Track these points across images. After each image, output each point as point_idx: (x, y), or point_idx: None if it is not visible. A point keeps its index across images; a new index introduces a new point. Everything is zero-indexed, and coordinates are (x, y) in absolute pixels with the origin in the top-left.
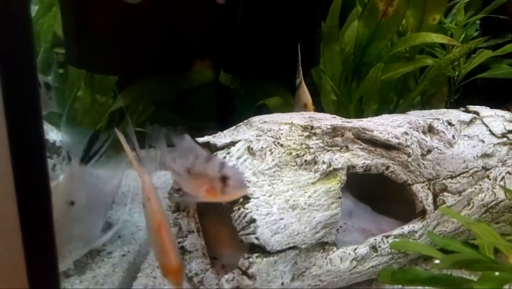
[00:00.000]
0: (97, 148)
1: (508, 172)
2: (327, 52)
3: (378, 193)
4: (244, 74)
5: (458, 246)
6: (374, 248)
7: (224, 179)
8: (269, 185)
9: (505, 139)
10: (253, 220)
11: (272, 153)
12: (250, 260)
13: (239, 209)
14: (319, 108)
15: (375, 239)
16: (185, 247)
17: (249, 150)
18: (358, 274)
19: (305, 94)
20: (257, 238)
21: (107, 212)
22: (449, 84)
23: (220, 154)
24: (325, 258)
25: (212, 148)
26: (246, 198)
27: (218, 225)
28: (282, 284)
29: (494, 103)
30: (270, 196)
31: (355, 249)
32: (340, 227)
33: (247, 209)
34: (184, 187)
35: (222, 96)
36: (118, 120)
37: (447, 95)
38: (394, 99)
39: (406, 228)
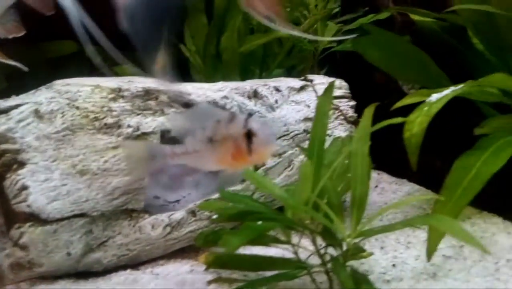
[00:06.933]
0: None
1: (328, 135)
2: (194, 25)
3: None
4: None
5: (247, 201)
6: (192, 212)
7: (249, 135)
8: (54, 150)
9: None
10: (25, 187)
11: (63, 115)
12: (22, 230)
13: (11, 176)
14: None
15: (195, 204)
16: None
17: (36, 112)
18: (175, 240)
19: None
20: (28, 206)
21: None
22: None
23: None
24: (133, 226)
25: None
26: (21, 164)
27: None
28: (69, 254)
29: (351, 75)
30: (54, 161)
31: (170, 215)
32: (184, 197)
33: (19, 175)
34: (204, 165)
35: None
36: None
37: (310, 69)
38: (256, 72)
39: None
